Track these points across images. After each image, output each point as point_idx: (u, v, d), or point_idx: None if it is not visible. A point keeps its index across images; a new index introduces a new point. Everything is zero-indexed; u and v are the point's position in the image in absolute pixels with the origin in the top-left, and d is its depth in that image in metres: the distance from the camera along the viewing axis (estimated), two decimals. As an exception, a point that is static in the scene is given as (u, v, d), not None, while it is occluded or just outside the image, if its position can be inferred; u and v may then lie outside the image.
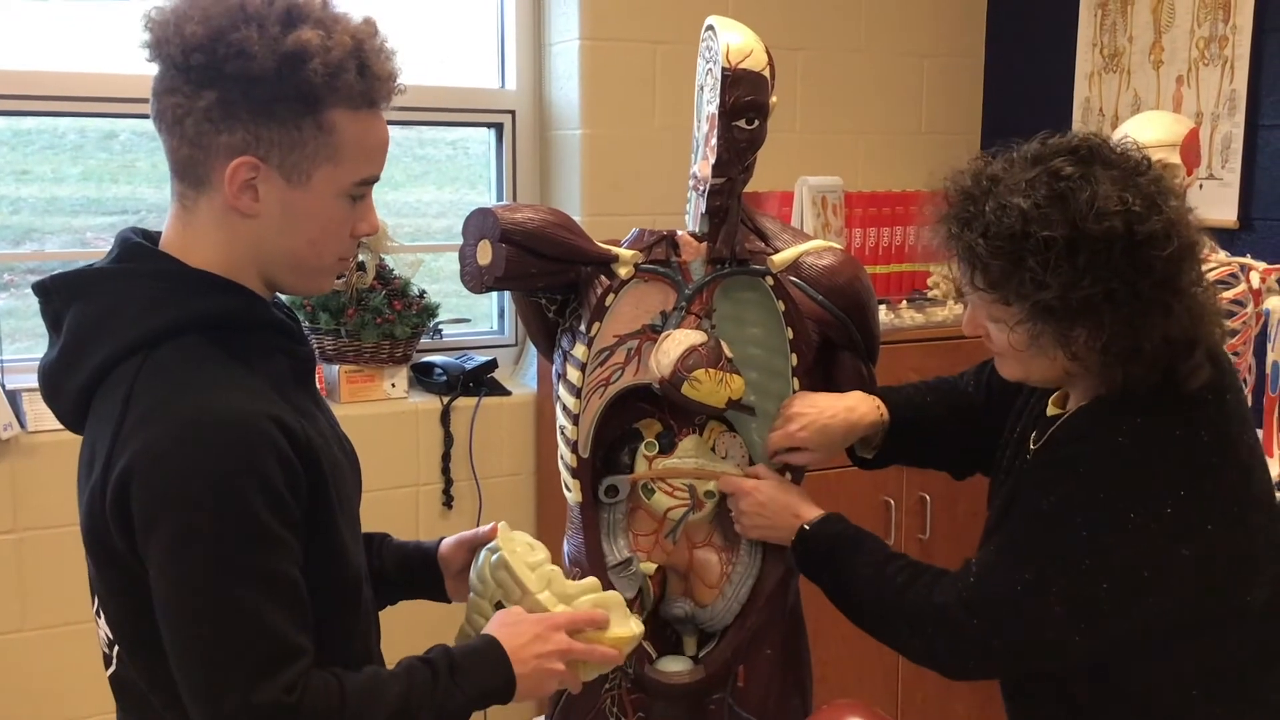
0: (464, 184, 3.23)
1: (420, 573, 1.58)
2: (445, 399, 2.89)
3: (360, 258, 2.68)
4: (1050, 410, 1.57)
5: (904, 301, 3.05)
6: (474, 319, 3.18)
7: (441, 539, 1.60)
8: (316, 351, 2.66)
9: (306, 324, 2.75)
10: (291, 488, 1.21)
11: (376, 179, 1.34)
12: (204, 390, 1.21)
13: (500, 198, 3.12)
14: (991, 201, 1.41)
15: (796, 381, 1.69)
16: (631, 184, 3.00)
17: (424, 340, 2.94)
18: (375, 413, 2.74)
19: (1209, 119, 2.94)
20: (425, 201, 3.16)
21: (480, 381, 2.94)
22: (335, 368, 2.80)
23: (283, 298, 1.44)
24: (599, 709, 1.68)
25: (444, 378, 2.91)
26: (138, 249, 1.31)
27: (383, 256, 2.81)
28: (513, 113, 3.09)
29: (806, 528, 1.65)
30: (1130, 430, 1.43)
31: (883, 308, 2.95)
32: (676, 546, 1.71)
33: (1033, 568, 1.44)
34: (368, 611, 1.41)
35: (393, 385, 2.86)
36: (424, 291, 2.90)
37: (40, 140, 2.73)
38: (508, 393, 2.98)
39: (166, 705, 1.26)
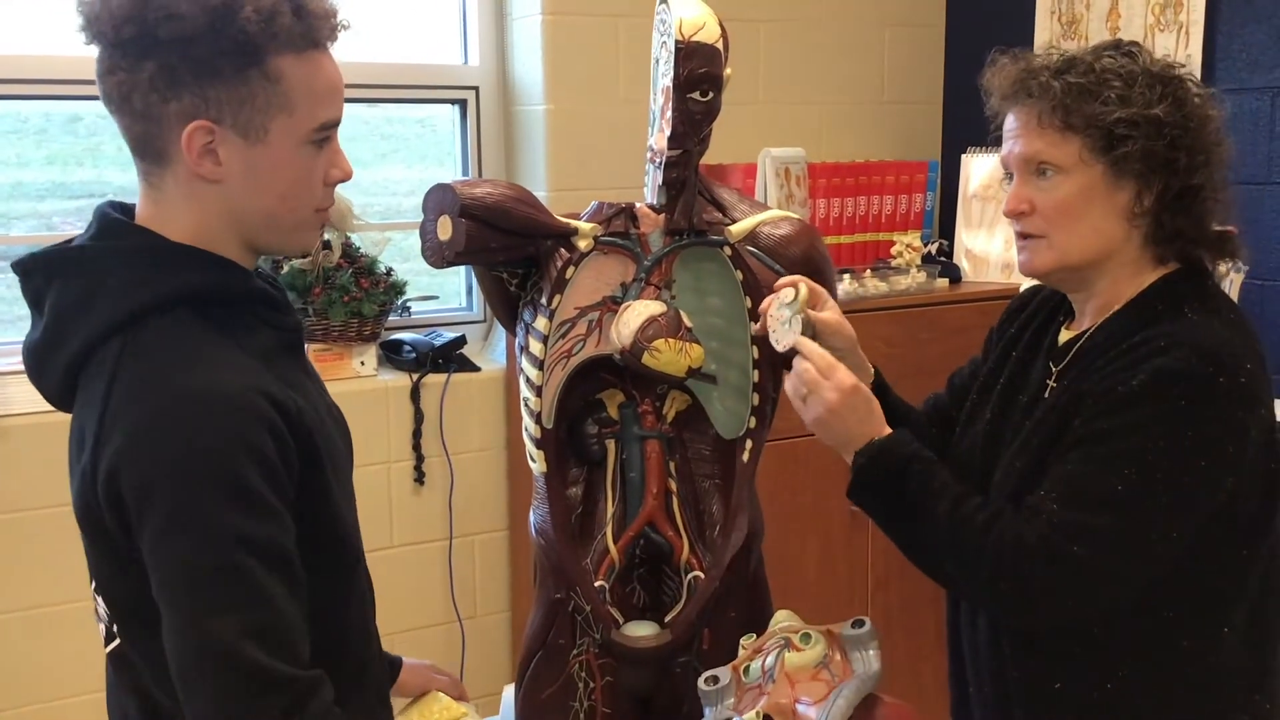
0: (432, 162, 3.23)
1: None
2: (415, 376, 2.91)
3: (325, 236, 2.69)
4: (1064, 338, 1.60)
5: (868, 271, 3.07)
6: (442, 296, 3.19)
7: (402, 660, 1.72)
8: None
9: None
10: (284, 460, 1.22)
11: (337, 122, 1.31)
12: (190, 367, 1.21)
13: (465, 174, 3.13)
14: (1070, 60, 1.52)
15: (756, 349, 1.72)
16: (596, 158, 3.01)
17: (392, 318, 2.96)
18: (345, 391, 2.75)
19: (1166, 84, 2.96)
20: (394, 180, 3.16)
21: (449, 358, 2.95)
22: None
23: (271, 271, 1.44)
24: (568, 674, 1.71)
25: (413, 355, 2.93)
26: (116, 225, 1.30)
27: (349, 235, 2.82)
28: (476, 89, 3.09)
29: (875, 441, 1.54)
30: (1195, 309, 1.48)
31: (847, 277, 2.98)
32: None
33: (1134, 460, 1.41)
34: (364, 583, 1.43)
35: (362, 363, 2.88)
36: (391, 269, 2.91)
37: (4, 125, 2.73)
38: (477, 369, 3.00)
39: (158, 682, 1.26)
